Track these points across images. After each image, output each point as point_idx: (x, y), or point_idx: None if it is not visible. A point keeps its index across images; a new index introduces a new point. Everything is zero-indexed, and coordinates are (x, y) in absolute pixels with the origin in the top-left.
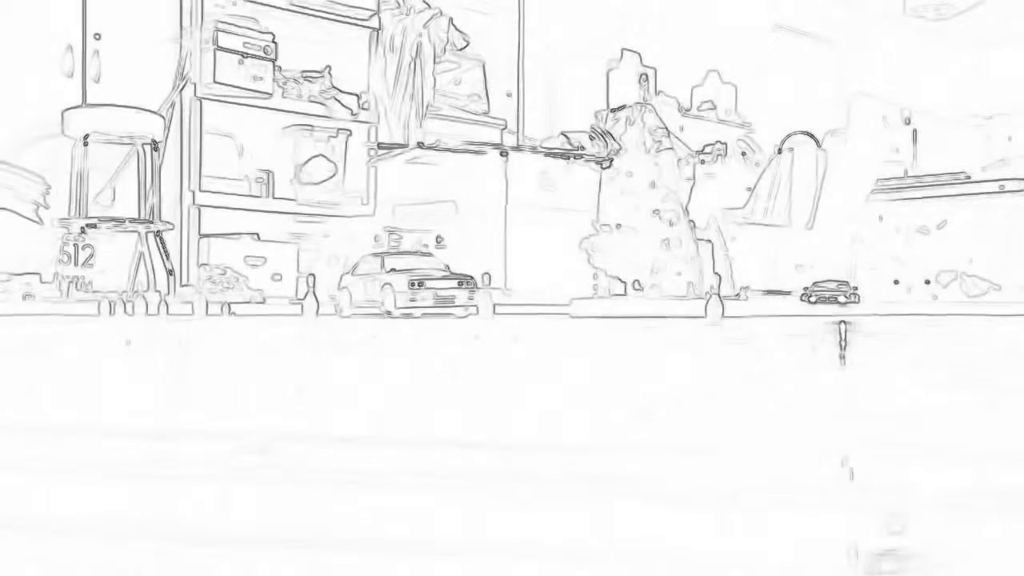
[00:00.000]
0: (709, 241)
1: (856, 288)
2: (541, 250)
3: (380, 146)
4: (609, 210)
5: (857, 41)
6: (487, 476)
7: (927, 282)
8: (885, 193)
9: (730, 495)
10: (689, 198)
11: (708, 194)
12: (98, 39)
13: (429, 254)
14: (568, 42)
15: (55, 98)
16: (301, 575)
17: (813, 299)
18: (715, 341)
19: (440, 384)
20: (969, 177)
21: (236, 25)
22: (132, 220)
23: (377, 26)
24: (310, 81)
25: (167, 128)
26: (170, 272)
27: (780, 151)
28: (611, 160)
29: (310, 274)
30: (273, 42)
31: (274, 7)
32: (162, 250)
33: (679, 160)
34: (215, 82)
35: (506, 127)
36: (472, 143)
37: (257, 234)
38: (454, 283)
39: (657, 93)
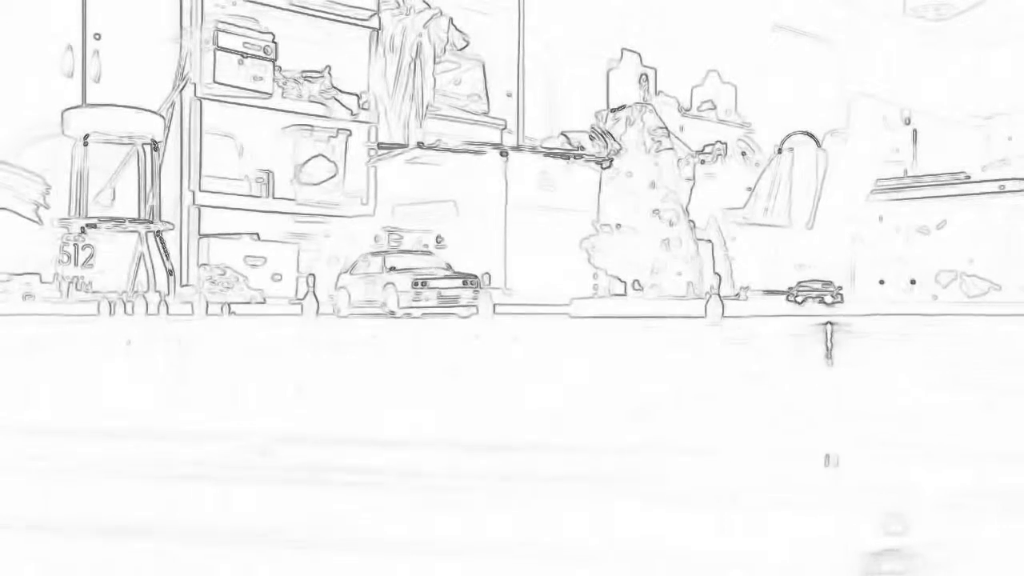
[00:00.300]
0: (709, 241)
1: (841, 288)
2: (541, 250)
3: (380, 146)
4: (609, 210)
5: (857, 41)
6: (487, 476)
7: (912, 282)
8: (885, 193)
9: (730, 495)
10: (689, 198)
11: (708, 194)
12: (98, 39)
13: (431, 253)
14: (568, 42)
15: (55, 98)
16: (301, 575)
17: (800, 299)
18: (715, 341)
19: (440, 384)
20: (969, 177)
21: (236, 25)
22: (132, 220)
23: (377, 26)
24: (310, 81)
25: (167, 128)
26: (170, 272)
27: (780, 151)
28: (611, 160)
29: (310, 274)
30: (273, 42)
31: (274, 7)
32: (162, 250)
33: (679, 160)
34: (215, 82)
35: (506, 127)
36: (472, 143)
37: (257, 234)
38: (458, 282)
39: (657, 93)
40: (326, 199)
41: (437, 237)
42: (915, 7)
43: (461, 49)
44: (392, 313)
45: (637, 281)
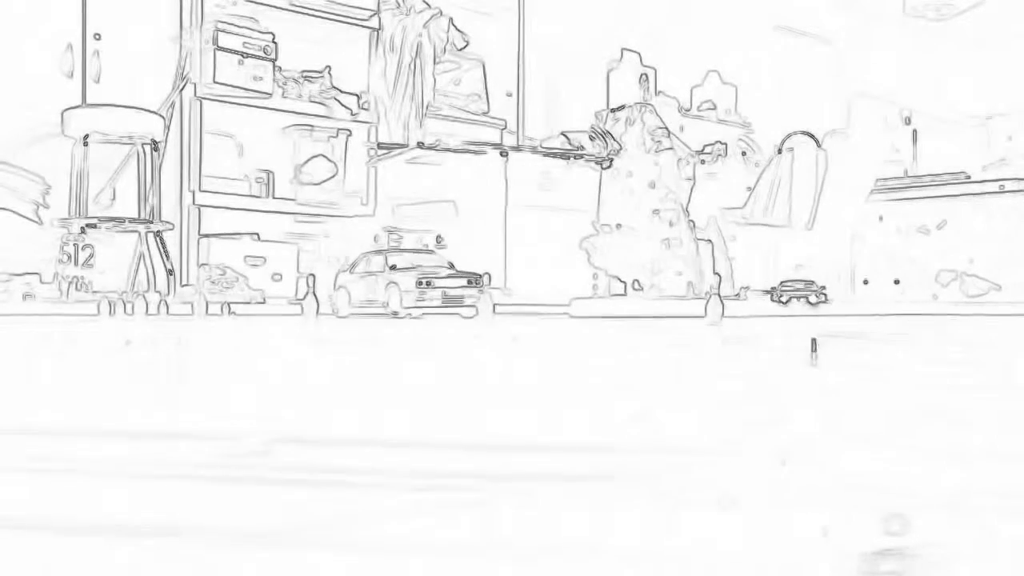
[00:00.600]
0: (709, 241)
1: (824, 287)
2: (541, 250)
3: (380, 146)
4: (609, 210)
5: (857, 41)
6: (487, 476)
7: (896, 282)
8: (885, 193)
9: (730, 495)
10: (689, 198)
11: (708, 194)
12: (98, 39)
13: (433, 251)
14: (568, 42)
15: (55, 98)
16: (301, 575)
17: (784, 299)
18: (715, 341)
19: (440, 384)
20: (969, 177)
21: (236, 25)
22: (132, 220)
23: (377, 26)
24: (310, 81)
25: (167, 128)
26: (170, 272)
27: (780, 151)
28: (611, 160)
29: (310, 274)
30: (273, 42)
31: (274, 7)
32: (162, 250)
33: (679, 160)
34: (215, 82)
35: (506, 127)
36: (472, 143)
37: (257, 234)
38: (463, 281)
39: (657, 93)
40: (326, 199)
41: (437, 237)
42: (915, 7)
43: (461, 49)
44: (395, 313)
45: (637, 281)
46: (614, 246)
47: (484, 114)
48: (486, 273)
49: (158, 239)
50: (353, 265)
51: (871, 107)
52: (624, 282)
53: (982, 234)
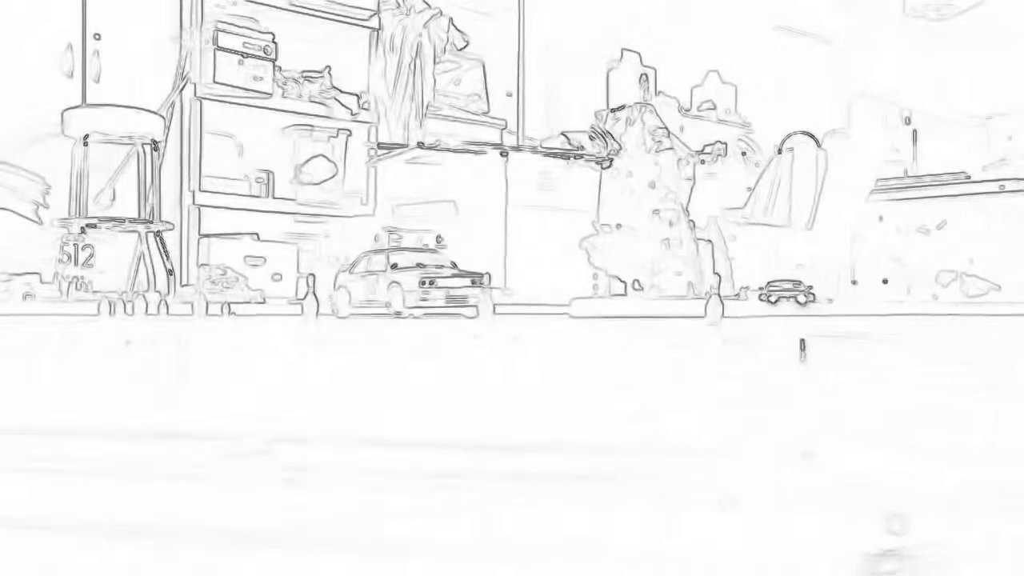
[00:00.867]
0: (709, 241)
1: (811, 287)
2: (541, 250)
3: (380, 146)
4: (609, 210)
5: (857, 41)
6: (487, 476)
7: (884, 281)
8: (885, 193)
9: (730, 495)
10: (689, 198)
11: (708, 194)
12: (98, 39)
13: (435, 250)
14: (568, 42)
15: (55, 98)
16: (301, 575)
17: (773, 299)
18: (715, 341)
19: (440, 384)
20: (969, 177)
21: (236, 25)
22: (132, 220)
23: (377, 26)
24: (310, 81)
25: (167, 128)
26: (170, 272)
27: (780, 151)
28: (611, 160)
29: (310, 274)
30: (273, 42)
31: (274, 7)
32: (162, 250)
33: (679, 160)
34: (215, 82)
35: (506, 127)
36: (472, 143)
37: (257, 234)
38: (466, 281)
39: (657, 93)
40: (326, 199)
41: (437, 237)
42: (915, 7)
43: (461, 49)
44: (398, 314)
45: (637, 281)
46: (614, 246)
47: (484, 114)
48: (485, 273)
49: (158, 239)
50: (353, 265)
51: (871, 107)
52: (624, 282)
53: (982, 234)
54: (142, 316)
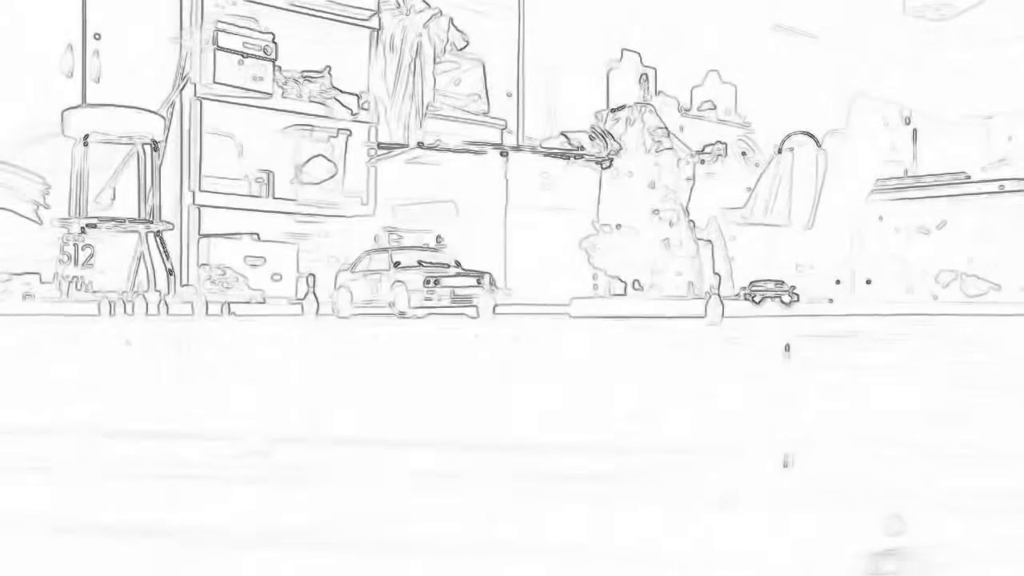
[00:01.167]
0: (709, 241)
1: (794, 287)
2: (541, 250)
3: (380, 146)
4: (609, 210)
5: (857, 41)
6: (487, 476)
7: (868, 282)
8: (885, 193)
9: (730, 495)
10: (689, 198)
11: (708, 194)
12: (98, 39)
13: (438, 249)
14: (568, 42)
15: (55, 98)
16: (301, 575)
17: (758, 299)
18: (715, 341)
19: (440, 384)
20: (969, 177)
21: (236, 25)
22: (132, 220)
23: (377, 26)
24: (310, 81)
25: (167, 128)
26: (170, 272)
27: (780, 151)
28: (611, 160)
29: (310, 274)
30: (273, 42)
31: (274, 7)
32: (162, 250)
33: (679, 160)
34: (215, 82)
35: (506, 127)
36: (472, 143)
37: (257, 234)
38: (471, 280)
39: (657, 93)
40: (326, 199)
41: (437, 237)
42: (915, 7)
43: (461, 49)
44: (402, 314)
45: (637, 281)
46: (614, 246)
47: (484, 114)
48: (488, 273)
49: (158, 239)
50: (355, 264)
51: (871, 107)
52: (624, 282)
53: (982, 234)
54: (142, 316)
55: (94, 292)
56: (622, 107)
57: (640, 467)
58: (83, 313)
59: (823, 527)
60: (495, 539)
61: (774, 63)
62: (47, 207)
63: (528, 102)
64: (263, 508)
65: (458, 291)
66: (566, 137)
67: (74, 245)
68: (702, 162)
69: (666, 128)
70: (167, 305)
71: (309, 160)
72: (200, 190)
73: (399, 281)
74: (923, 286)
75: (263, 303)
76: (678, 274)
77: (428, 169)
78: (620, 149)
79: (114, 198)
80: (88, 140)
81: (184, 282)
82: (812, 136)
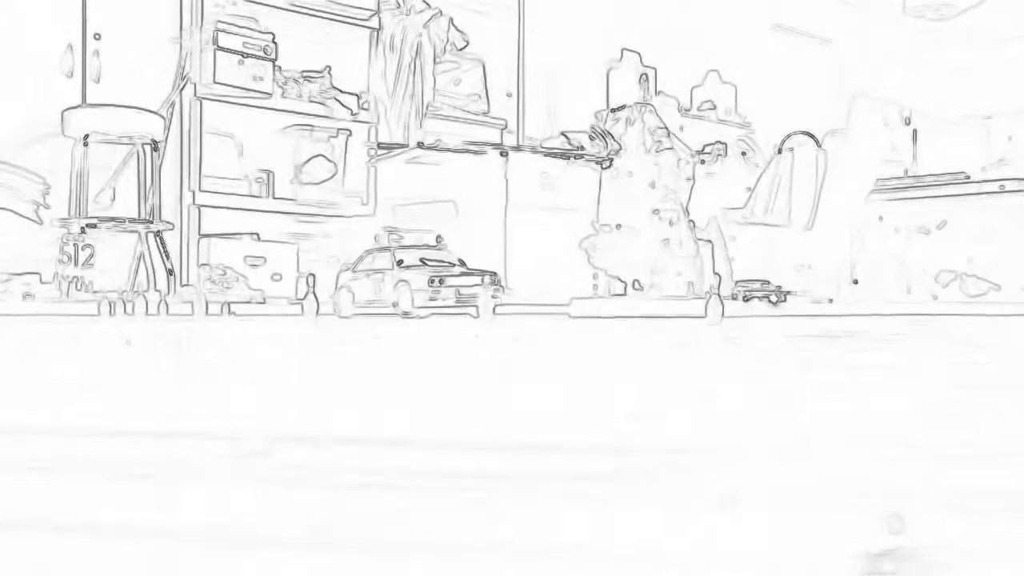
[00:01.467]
0: (709, 241)
1: (780, 286)
2: (541, 250)
3: (380, 146)
4: (609, 210)
5: (857, 41)
6: (487, 476)
7: (855, 282)
8: (885, 193)
9: (730, 494)
10: (689, 198)
11: (708, 194)
12: (98, 39)
13: (442, 247)
14: (568, 42)
15: (55, 98)
16: (301, 575)
17: (746, 298)
18: (715, 341)
19: (440, 383)
20: (969, 177)
21: (236, 25)
22: (132, 220)
23: (377, 26)
24: (310, 81)
25: (167, 128)
26: (170, 272)
27: (780, 151)
28: (611, 160)
29: (310, 274)
30: (273, 42)
31: (274, 7)
32: (162, 250)
33: (679, 160)
34: (215, 82)
35: (506, 127)
36: (472, 143)
37: (257, 234)
38: (478, 279)
39: (657, 93)
40: (326, 199)
41: (437, 237)
42: (915, 7)
43: (461, 49)
44: (406, 314)
45: (637, 281)
46: (614, 246)
47: (484, 114)
48: (493, 272)
49: (158, 239)
50: (356, 263)
51: (871, 107)
52: (624, 282)
53: (982, 234)
54: (142, 316)
55: (94, 292)
56: (622, 107)
57: (640, 467)
58: (83, 313)
59: (823, 527)
60: (495, 539)
61: (774, 63)
62: (47, 207)
63: (528, 102)
64: (263, 508)
65: (463, 291)
66: (566, 137)
67: (74, 245)
68: (702, 162)
69: (666, 128)
70: (167, 305)
71: (309, 160)
72: (200, 190)
73: (403, 281)
74: (923, 286)
75: (263, 303)
76: (678, 274)
77: (428, 169)
78: (620, 149)
79: (114, 198)
80: (88, 140)
81: (184, 282)
82: (812, 136)
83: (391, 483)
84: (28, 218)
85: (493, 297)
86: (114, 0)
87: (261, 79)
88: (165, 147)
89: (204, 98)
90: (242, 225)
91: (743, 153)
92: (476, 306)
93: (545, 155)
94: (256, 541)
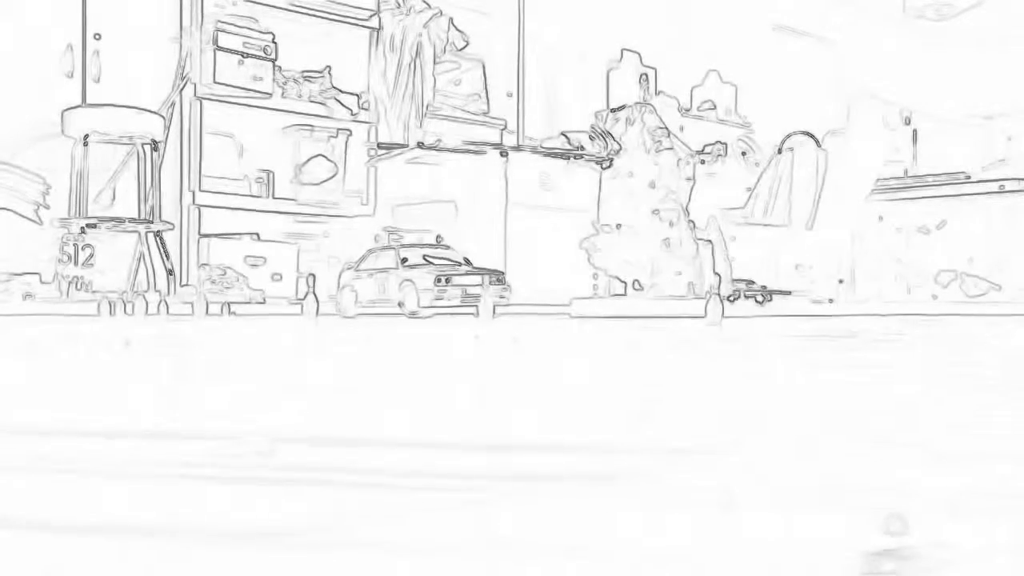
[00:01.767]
0: (709, 241)
1: (764, 286)
2: (541, 250)
3: (380, 146)
4: (609, 210)
5: (857, 41)
6: (487, 476)
7: (840, 281)
8: (885, 193)
9: (730, 495)
10: (689, 198)
11: (708, 194)
12: (98, 39)
13: (447, 246)
14: (568, 42)
15: (55, 98)
16: (301, 575)
17: (732, 298)
18: (715, 341)
19: (440, 383)
20: (969, 177)
21: (236, 25)
22: (132, 220)
23: (377, 26)
24: (310, 81)
25: (167, 128)
26: (170, 272)
27: (780, 151)
28: (611, 160)
29: (310, 274)
30: (273, 42)
31: (274, 7)
32: (162, 250)
33: (679, 160)
34: (215, 82)
35: (506, 127)
36: (472, 143)
37: (257, 234)
38: (485, 278)
39: (657, 93)
40: (326, 199)
41: (437, 237)
42: (915, 7)
43: (461, 49)
44: (413, 313)
45: (637, 281)
46: (614, 246)
47: (484, 114)
48: (500, 271)
49: (158, 239)
50: (359, 262)
51: (871, 107)
52: (624, 282)
53: (982, 234)
54: (142, 316)
55: (94, 292)
56: (622, 107)
57: (640, 467)
58: (83, 313)
59: (823, 527)
60: (495, 539)
61: (774, 63)
62: (47, 207)
63: (528, 102)
64: (263, 508)
65: (470, 290)
66: (566, 137)
67: (74, 245)
68: (702, 162)
69: (666, 128)
70: (167, 305)
71: (309, 160)
72: (200, 190)
73: (408, 280)
74: (923, 286)
75: (263, 303)
76: (678, 274)
77: (428, 169)
78: (620, 149)
79: (114, 198)
80: (88, 140)
81: (184, 282)
82: (812, 136)
83: (391, 483)
84: (28, 218)
85: (501, 296)
86: (114, 0)
87: (261, 79)
88: (165, 147)
89: (204, 98)
90: (242, 225)
91: (743, 153)
92: (477, 306)
93: (545, 155)
94: (256, 541)
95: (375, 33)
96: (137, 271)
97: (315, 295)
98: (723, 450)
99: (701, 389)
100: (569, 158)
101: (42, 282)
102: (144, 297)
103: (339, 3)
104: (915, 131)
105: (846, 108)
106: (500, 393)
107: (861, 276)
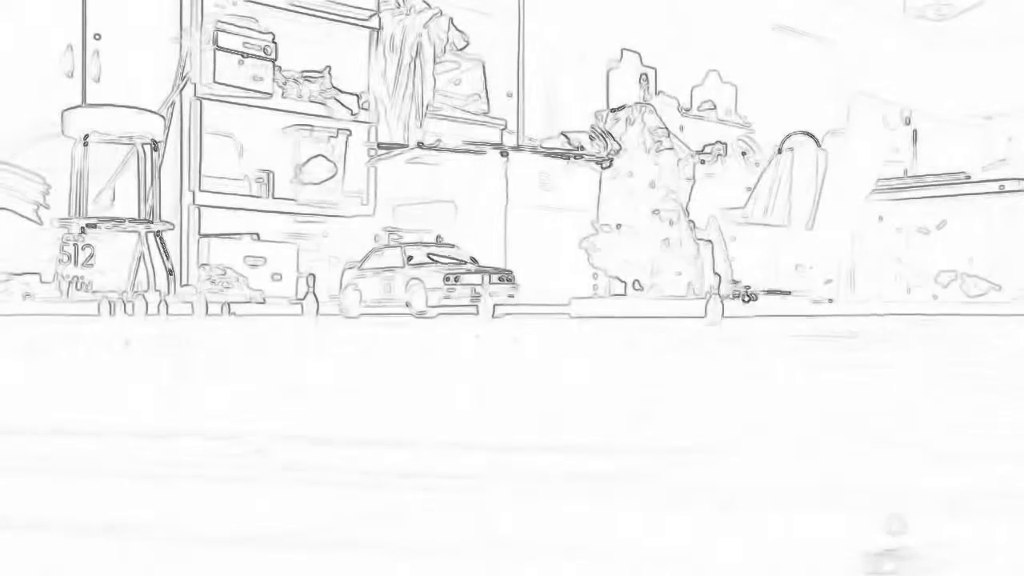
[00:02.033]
0: (709, 241)
1: (749, 286)
2: (541, 250)
3: (380, 146)
4: (609, 210)
5: (857, 41)
6: (487, 476)
7: (828, 281)
8: (885, 193)
9: (730, 495)
10: (689, 198)
11: (708, 194)
12: (98, 39)
13: (452, 244)
14: (568, 42)
15: (55, 98)
16: (301, 575)
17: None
18: (715, 341)
19: (440, 383)
20: (969, 177)
21: (236, 25)
22: (132, 220)
23: (377, 26)
24: (310, 81)
25: (167, 128)
26: (170, 272)
27: (780, 151)
28: (611, 160)
29: (310, 274)
30: (273, 42)
31: (274, 7)
32: (162, 250)
33: (679, 160)
34: (215, 82)
35: (506, 127)
36: (472, 143)
37: (257, 234)
38: (494, 277)
39: (657, 93)
40: (326, 199)
41: (437, 237)
42: (915, 7)
43: (461, 49)
44: (421, 313)
45: (637, 281)
46: (614, 246)
47: (484, 114)
48: (508, 270)
49: (158, 239)
50: (363, 261)
51: (871, 107)
52: (624, 282)
53: (982, 234)
54: (142, 316)
55: (94, 292)
56: (622, 107)
57: (640, 467)
58: (83, 313)
59: (823, 527)
60: (495, 539)
61: (774, 63)
62: (47, 207)
63: (528, 102)
64: (263, 508)
65: (479, 289)
66: (566, 137)
67: (74, 245)
68: (702, 162)
69: (666, 128)
70: (167, 305)
71: (309, 160)
72: (200, 190)
73: (416, 279)
74: (923, 286)
75: (263, 303)
76: (678, 274)
77: (428, 169)
78: (620, 149)
79: (114, 198)
80: (88, 140)
81: (184, 282)
82: (812, 136)
83: (391, 483)
84: (28, 218)
85: (510, 296)
86: (114, 0)
87: (261, 79)
88: (165, 147)
89: (204, 98)
90: (242, 225)
91: (743, 153)
92: (476, 306)
93: (545, 155)
94: (256, 541)
95: (375, 33)
96: (137, 271)
97: (315, 295)
98: (723, 450)
99: (701, 389)
100: (569, 158)
101: (42, 282)
102: (144, 297)
103: (339, 3)
104: (915, 131)
105: (846, 108)
106: (500, 393)
107: (861, 276)
